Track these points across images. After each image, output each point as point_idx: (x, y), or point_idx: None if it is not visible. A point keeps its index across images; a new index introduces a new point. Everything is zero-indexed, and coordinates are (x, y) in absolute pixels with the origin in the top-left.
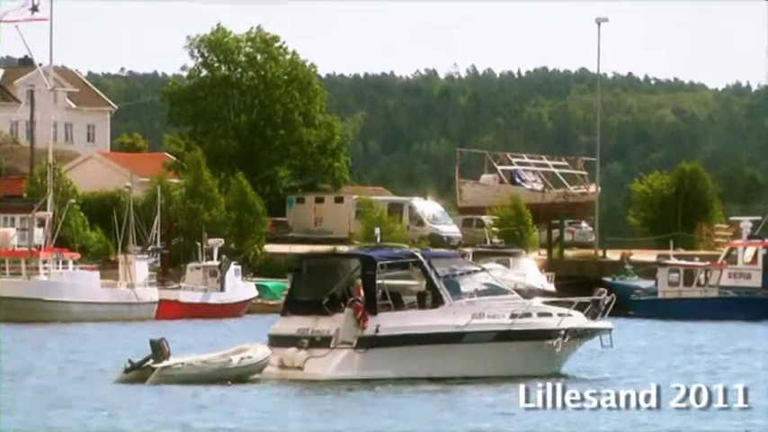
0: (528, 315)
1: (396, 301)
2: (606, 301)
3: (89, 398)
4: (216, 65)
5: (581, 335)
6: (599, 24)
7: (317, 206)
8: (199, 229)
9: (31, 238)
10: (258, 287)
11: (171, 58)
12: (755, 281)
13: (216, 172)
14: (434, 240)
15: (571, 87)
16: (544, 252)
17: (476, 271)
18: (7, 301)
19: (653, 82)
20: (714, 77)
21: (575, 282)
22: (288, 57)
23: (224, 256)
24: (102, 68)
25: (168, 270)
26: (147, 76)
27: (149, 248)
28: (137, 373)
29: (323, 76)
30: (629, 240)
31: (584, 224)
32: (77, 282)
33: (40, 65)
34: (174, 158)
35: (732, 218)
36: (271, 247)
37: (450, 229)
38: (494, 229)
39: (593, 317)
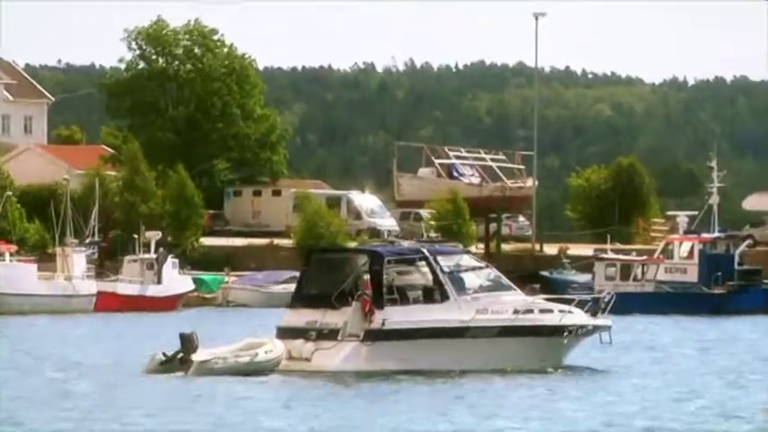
0: (530, 311)
1: (402, 295)
2: (606, 299)
3: (148, 393)
4: (154, 57)
5: (582, 331)
6: (536, 18)
7: (255, 199)
8: (136, 222)
9: None
10: (195, 280)
11: (109, 51)
12: (692, 275)
13: (153, 164)
14: (372, 234)
15: (509, 81)
16: (482, 246)
17: (480, 267)
18: None
19: (590, 76)
20: (651, 72)
21: (512, 276)
22: (225, 50)
23: (161, 249)
24: (39, 60)
25: (106, 262)
26: (85, 69)
27: (87, 241)
28: (168, 365)
29: (261, 69)
30: (567, 234)
31: (521, 218)
32: (15, 274)
33: None
34: (111, 151)
35: (669, 212)
36: (208, 240)
37: (388, 222)
38: (431, 222)
39: (594, 314)
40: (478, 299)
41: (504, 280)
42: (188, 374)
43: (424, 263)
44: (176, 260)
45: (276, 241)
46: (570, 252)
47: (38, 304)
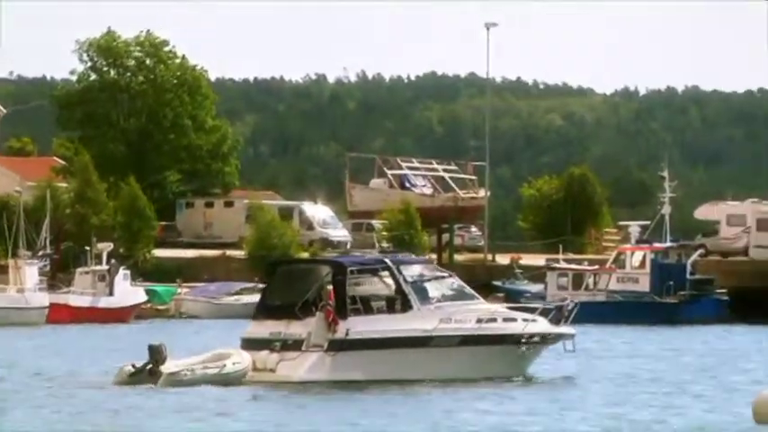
0: (494, 320)
1: (365, 305)
2: (570, 307)
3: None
4: (105, 69)
5: (545, 339)
6: (488, 29)
7: (207, 211)
8: (88, 234)
9: None
10: (147, 291)
11: (60, 63)
12: (643, 285)
13: (105, 176)
14: (324, 245)
15: (461, 92)
16: (434, 256)
17: (443, 276)
18: None
19: (542, 86)
20: (603, 82)
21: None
22: (177, 61)
23: (113, 261)
24: None
25: (58, 274)
26: (37, 81)
27: (39, 253)
28: (138, 377)
29: (212, 80)
30: (519, 244)
31: (473, 228)
32: None
33: None
34: (63, 163)
35: (621, 222)
36: (160, 252)
37: (340, 233)
38: (383, 233)
39: (557, 322)
40: (441, 308)
41: (468, 289)
42: (157, 386)
43: (387, 272)
44: (128, 272)
45: (228, 252)
46: (522, 262)
47: None
